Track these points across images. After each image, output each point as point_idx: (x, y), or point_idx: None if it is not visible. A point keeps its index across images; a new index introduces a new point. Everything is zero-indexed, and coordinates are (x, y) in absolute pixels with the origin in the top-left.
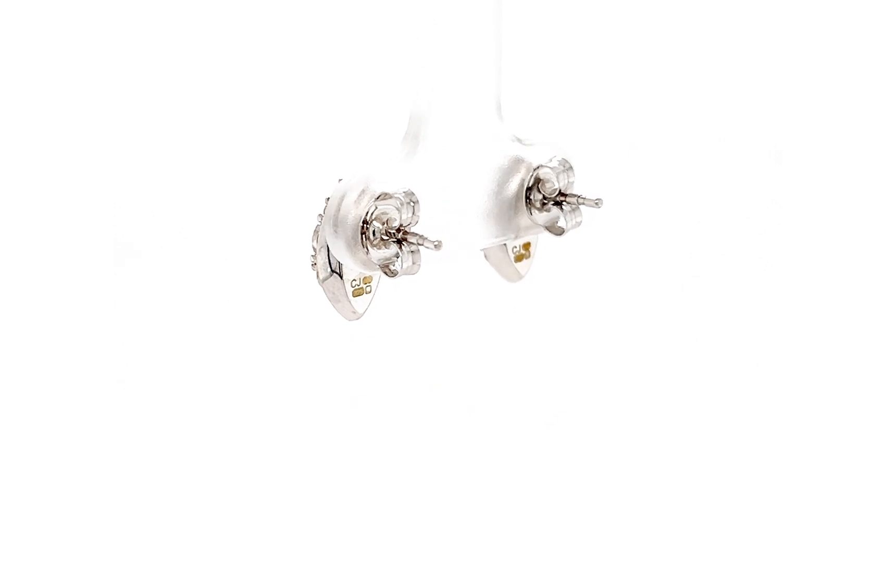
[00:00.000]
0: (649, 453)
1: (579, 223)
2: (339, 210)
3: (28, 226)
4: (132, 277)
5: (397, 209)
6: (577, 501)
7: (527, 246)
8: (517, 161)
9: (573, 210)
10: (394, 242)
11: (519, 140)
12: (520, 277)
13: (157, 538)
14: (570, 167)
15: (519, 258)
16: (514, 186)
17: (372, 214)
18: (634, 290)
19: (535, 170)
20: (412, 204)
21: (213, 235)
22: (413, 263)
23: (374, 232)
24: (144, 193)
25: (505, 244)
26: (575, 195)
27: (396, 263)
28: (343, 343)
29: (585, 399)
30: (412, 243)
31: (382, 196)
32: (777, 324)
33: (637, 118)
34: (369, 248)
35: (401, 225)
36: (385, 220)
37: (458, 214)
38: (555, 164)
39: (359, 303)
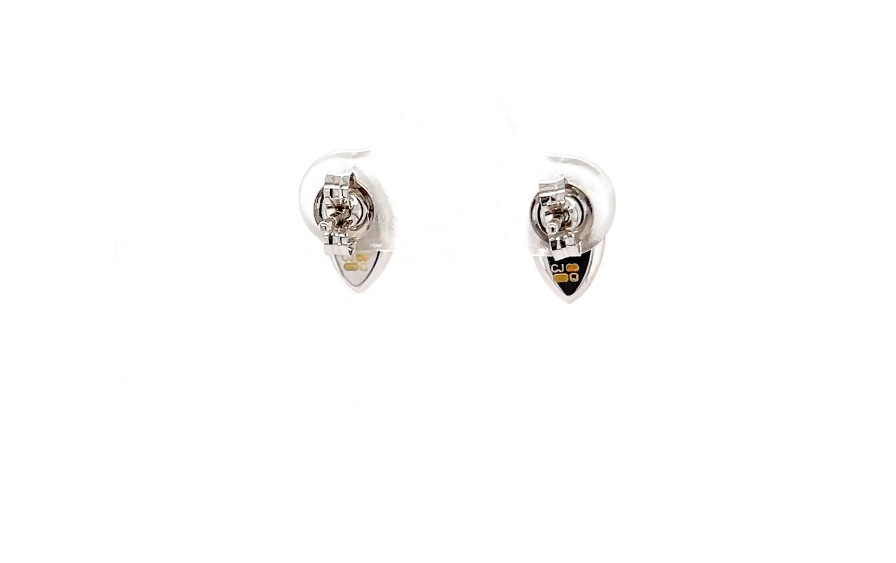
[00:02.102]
0: (649, 452)
1: (572, 250)
2: (300, 187)
3: (28, 225)
4: (131, 276)
5: (338, 192)
6: (577, 500)
7: (572, 266)
8: (520, 172)
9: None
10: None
11: (539, 153)
12: (564, 297)
13: (157, 538)
14: (568, 185)
15: (560, 278)
16: (515, 197)
17: (321, 194)
18: (633, 289)
19: (541, 186)
20: (341, 189)
21: (211, 232)
22: (329, 243)
23: (321, 210)
24: (141, 189)
25: (548, 259)
26: (564, 218)
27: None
28: (346, 342)
29: (584, 398)
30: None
31: (328, 179)
32: (777, 324)
33: (636, 118)
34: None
35: (341, 208)
36: (332, 203)
37: (435, 214)
38: (554, 181)
39: (352, 277)
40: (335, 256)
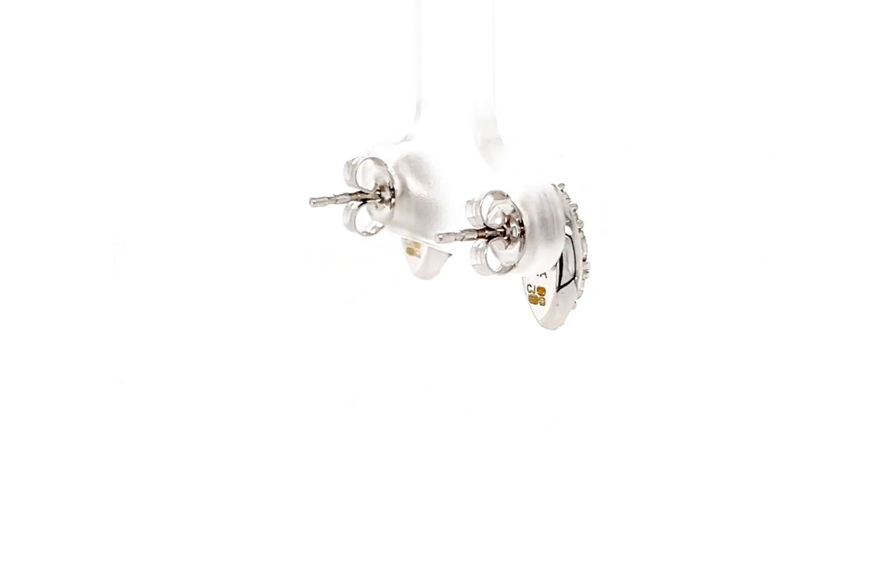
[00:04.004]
0: (649, 453)
1: (480, 267)
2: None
3: (28, 225)
4: (132, 276)
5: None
6: (577, 501)
7: (541, 290)
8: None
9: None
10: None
11: (491, 163)
12: (535, 320)
13: (158, 538)
14: (502, 195)
15: (532, 300)
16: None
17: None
18: (633, 289)
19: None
20: (351, 169)
21: (213, 233)
22: (348, 222)
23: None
24: (146, 190)
25: (522, 278)
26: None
27: None
28: (343, 343)
29: (585, 399)
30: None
31: (348, 162)
32: (777, 324)
33: (637, 118)
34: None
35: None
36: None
37: (427, 212)
38: (484, 193)
39: (410, 262)
40: (402, 239)
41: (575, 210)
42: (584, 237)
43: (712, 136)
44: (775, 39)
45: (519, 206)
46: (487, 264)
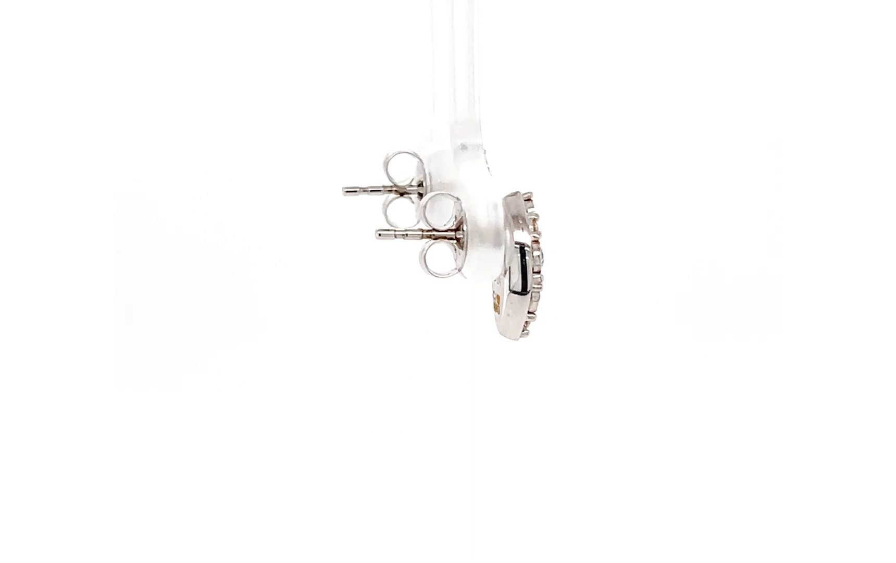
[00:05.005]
0: (649, 453)
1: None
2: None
3: (28, 226)
4: (136, 276)
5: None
6: (577, 503)
7: (498, 298)
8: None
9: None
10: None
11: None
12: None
13: (158, 540)
14: (451, 199)
15: (495, 308)
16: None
17: None
18: (634, 289)
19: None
20: (386, 162)
21: (216, 233)
22: (383, 213)
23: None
24: (151, 191)
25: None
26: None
27: None
28: (337, 344)
29: (585, 400)
30: None
31: (387, 155)
32: (777, 324)
33: (637, 117)
34: None
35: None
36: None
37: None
38: (430, 196)
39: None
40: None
41: (535, 220)
42: (539, 247)
43: (712, 136)
44: (776, 39)
45: (464, 210)
46: (426, 266)
